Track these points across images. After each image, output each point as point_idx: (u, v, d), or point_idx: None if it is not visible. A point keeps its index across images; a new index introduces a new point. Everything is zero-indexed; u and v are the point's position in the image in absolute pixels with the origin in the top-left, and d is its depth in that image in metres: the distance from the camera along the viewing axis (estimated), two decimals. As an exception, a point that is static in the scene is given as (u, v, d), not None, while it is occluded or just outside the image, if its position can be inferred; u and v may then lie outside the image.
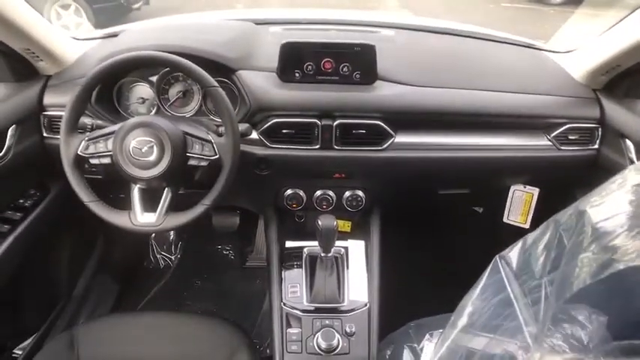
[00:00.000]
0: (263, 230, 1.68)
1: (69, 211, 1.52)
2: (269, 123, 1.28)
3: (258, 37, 1.43)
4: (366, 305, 1.28)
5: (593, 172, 1.39)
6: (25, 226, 1.30)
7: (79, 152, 1.10)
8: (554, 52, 1.56)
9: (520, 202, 1.52)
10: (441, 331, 1.03)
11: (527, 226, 1.54)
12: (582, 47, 1.44)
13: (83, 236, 1.73)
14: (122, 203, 1.15)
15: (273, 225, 1.45)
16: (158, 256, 2.09)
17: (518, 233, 1.59)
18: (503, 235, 1.91)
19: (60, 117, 1.14)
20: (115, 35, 1.50)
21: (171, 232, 2.14)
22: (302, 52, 1.28)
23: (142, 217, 1.11)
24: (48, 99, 1.32)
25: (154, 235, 2.11)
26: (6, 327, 1.41)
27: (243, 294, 1.92)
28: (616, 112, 1.33)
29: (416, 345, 1.07)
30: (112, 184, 1.26)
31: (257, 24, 1.53)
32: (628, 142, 1.26)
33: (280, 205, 1.43)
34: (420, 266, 1.96)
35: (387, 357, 1.11)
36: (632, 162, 1.24)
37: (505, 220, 1.55)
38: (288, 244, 1.41)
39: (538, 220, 1.51)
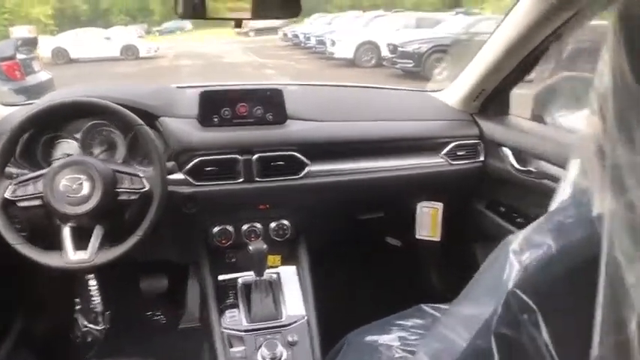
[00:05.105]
0: (194, 289, 1.70)
1: None
2: (193, 162, 1.38)
3: (178, 94, 1.57)
4: (304, 317, 1.34)
5: (484, 182, 1.65)
6: None
7: (5, 196, 1.12)
8: (434, 91, 1.86)
9: (427, 217, 1.71)
10: None
11: (437, 239, 1.73)
12: (455, 82, 1.74)
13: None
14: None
15: (206, 263, 1.49)
16: (84, 329, 1.97)
17: (431, 246, 1.77)
18: (419, 250, 2.08)
19: None
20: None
21: (97, 304, 2.05)
22: (219, 99, 1.44)
23: (74, 256, 1.13)
24: None
25: (79, 306, 2.01)
26: None
27: (180, 355, 1.86)
28: (490, 128, 1.62)
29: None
30: (37, 232, 1.26)
31: (178, 88, 1.69)
32: (505, 149, 1.53)
33: (211, 244, 1.49)
34: (354, 282, 2.05)
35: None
36: (512, 166, 1.50)
37: (417, 236, 1.73)
38: (222, 277, 1.46)
39: (446, 232, 1.72)
